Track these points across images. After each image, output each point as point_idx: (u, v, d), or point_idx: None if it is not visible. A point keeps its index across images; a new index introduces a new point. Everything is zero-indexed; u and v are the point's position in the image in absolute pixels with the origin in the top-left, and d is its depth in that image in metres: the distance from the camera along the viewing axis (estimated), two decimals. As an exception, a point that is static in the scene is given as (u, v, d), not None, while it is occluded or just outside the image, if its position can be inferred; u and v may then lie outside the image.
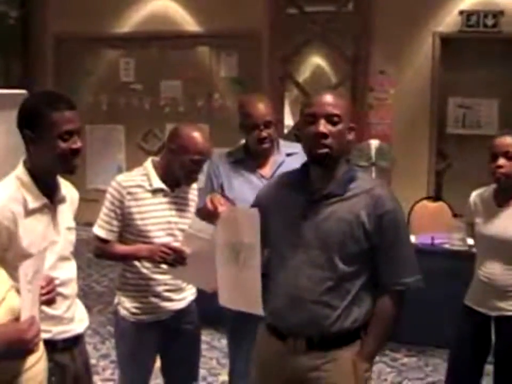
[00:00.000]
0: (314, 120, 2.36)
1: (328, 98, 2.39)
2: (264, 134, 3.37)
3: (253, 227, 2.27)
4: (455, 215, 5.75)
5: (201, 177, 3.29)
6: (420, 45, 7.29)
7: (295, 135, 7.36)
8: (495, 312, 3.26)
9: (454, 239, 5.06)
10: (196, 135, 3.05)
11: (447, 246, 5.10)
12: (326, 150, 2.35)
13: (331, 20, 7.54)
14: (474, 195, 3.44)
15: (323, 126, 2.34)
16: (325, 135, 2.34)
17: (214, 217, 2.36)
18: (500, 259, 3.23)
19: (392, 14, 7.18)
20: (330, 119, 2.35)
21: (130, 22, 8.16)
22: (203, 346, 3.96)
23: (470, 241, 4.94)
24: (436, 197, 6.63)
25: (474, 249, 4.80)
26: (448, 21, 7.17)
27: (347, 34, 7.54)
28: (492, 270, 3.26)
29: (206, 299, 3.29)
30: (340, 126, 2.37)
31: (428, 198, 6.42)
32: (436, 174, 7.45)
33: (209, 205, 2.33)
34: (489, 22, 6.97)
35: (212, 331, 5.13)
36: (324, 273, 2.39)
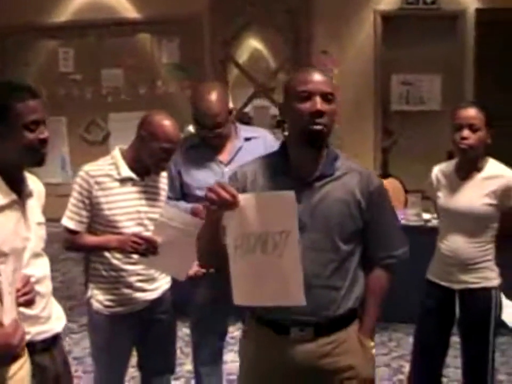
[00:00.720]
0: (309, 96, 2.26)
1: (320, 76, 2.30)
2: (212, 134, 3.33)
3: (288, 212, 2.09)
4: (406, 191, 5.81)
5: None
6: (361, 24, 7.34)
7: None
8: (459, 285, 3.27)
9: (409, 215, 5.13)
10: (167, 123, 3.01)
11: (403, 221, 5.14)
12: (321, 127, 2.26)
13: (271, 2, 7.50)
14: (436, 169, 3.44)
15: (320, 104, 2.25)
16: (321, 113, 2.25)
17: (232, 207, 2.12)
18: (463, 232, 3.24)
19: (332, -6, 7.21)
20: (325, 97, 2.27)
21: (67, 11, 7.95)
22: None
23: (425, 215, 5.03)
24: (384, 174, 6.70)
25: (429, 224, 4.91)
26: (388, -1, 7.24)
27: (287, 16, 7.50)
28: (454, 243, 3.26)
29: (170, 288, 3.26)
30: (333, 105, 2.30)
31: (378, 175, 6.46)
32: (382, 151, 7.50)
33: (224, 194, 2.12)
34: (428, -2, 7.08)
35: (174, 320, 5.07)
36: (327, 255, 2.32)
